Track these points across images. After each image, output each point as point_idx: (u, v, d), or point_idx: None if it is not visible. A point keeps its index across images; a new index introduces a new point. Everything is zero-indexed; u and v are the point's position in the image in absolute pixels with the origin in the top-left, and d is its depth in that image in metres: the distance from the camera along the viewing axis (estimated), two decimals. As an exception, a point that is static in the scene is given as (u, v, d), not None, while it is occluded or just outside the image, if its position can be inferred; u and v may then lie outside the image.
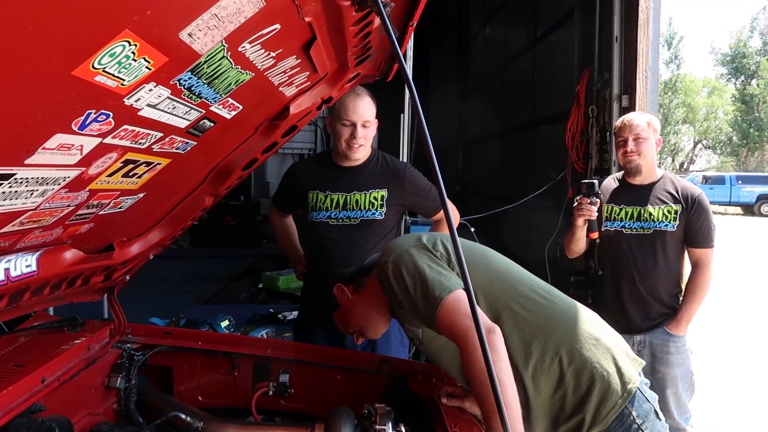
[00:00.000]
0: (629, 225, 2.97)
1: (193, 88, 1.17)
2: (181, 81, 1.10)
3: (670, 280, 2.94)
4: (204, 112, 1.35)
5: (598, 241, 3.00)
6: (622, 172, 3.13)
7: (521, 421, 1.51)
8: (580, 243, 3.04)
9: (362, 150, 2.54)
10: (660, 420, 1.66)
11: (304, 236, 2.72)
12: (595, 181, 2.90)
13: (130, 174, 1.37)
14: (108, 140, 1.09)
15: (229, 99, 1.41)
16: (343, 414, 1.93)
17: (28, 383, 1.46)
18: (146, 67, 0.94)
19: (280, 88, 1.63)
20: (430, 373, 2.16)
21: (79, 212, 1.34)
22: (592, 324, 1.74)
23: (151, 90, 1.03)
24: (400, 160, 2.77)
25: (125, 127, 1.10)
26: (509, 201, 5.00)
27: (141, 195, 1.58)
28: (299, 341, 2.76)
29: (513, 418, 1.46)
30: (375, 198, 2.59)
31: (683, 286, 2.97)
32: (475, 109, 7.88)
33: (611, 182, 3.12)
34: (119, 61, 0.85)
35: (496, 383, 1.04)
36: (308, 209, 2.59)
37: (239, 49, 1.16)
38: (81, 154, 1.06)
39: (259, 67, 1.34)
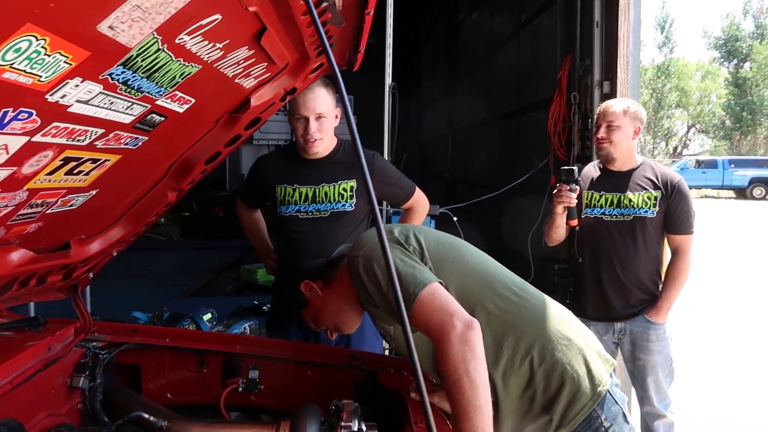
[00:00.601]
0: (609, 212, 2.94)
1: (129, 83, 1.12)
2: (113, 75, 1.05)
3: (650, 267, 2.92)
4: (150, 106, 1.31)
5: (578, 228, 2.98)
6: (600, 159, 3.10)
7: (491, 425, 1.48)
8: (560, 230, 3.01)
9: (320, 144, 2.49)
10: (628, 423, 1.65)
11: (274, 230, 2.68)
12: (575, 168, 2.87)
13: (75, 171, 1.32)
14: (38, 138, 1.05)
15: (177, 92, 1.36)
16: (308, 411, 1.90)
17: (-23, 388, 1.42)
18: (65, 62, 0.89)
19: (237, 80, 1.58)
20: (401, 366, 2.14)
21: (22, 212, 1.29)
22: (564, 323, 1.70)
23: (78, 86, 0.99)
24: (374, 151, 2.71)
25: (56, 124, 1.06)
26: (497, 189, 4.96)
27: (93, 192, 1.53)
28: (272, 335, 2.73)
29: (484, 421, 1.43)
30: (344, 189, 2.55)
31: (663, 273, 2.95)
32: (463, 97, 7.82)
33: (592, 169, 3.10)
34: (29, 57, 0.81)
35: (416, 362, 0.99)
36: (277, 203, 2.55)
37: (177, 41, 1.11)
38: (7, 153, 1.01)
39: (205, 59, 1.29)
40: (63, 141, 1.14)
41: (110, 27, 0.89)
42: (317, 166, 2.54)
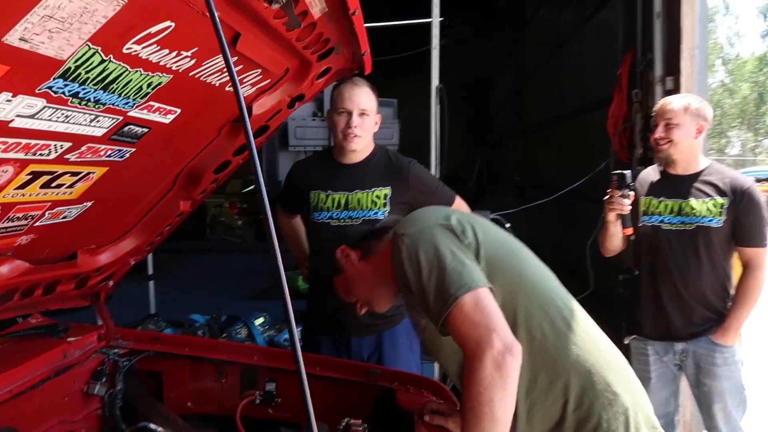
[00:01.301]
0: (669, 220, 2.67)
1: (81, 95, 1.10)
2: (55, 89, 1.03)
3: (715, 282, 2.62)
4: (122, 118, 1.29)
5: (633, 237, 2.72)
6: (661, 161, 2.81)
7: None
8: (614, 240, 2.77)
9: (359, 141, 2.41)
10: None
11: (308, 237, 2.63)
12: (627, 173, 2.62)
13: (53, 185, 1.33)
14: (-16, 155, 1.05)
15: (153, 103, 1.34)
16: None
17: (-22, 394, 1.47)
18: (-19, 78, 0.87)
19: (228, 88, 1.54)
20: (424, 384, 2.02)
21: (2, 225, 1.31)
22: (616, 373, 1.46)
23: (9, 101, 0.97)
24: (411, 158, 2.60)
25: (2, 140, 1.05)
26: (560, 191, 4.70)
27: (87, 204, 1.54)
28: (305, 347, 2.69)
29: None
30: (378, 197, 2.46)
31: (732, 290, 2.63)
32: (531, 96, 7.52)
33: (651, 173, 2.82)
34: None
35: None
36: (310, 209, 2.50)
37: (126, 52, 1.08)
38: (-50, 170, 1.01)
39: (174, 69, 1.26)
40: (21, 156, 1.14)
41: (22, 39, 0.86)
42: (351, 171, 2.48)
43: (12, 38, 0.85)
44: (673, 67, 3.09)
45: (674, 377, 2.76)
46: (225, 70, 1.43)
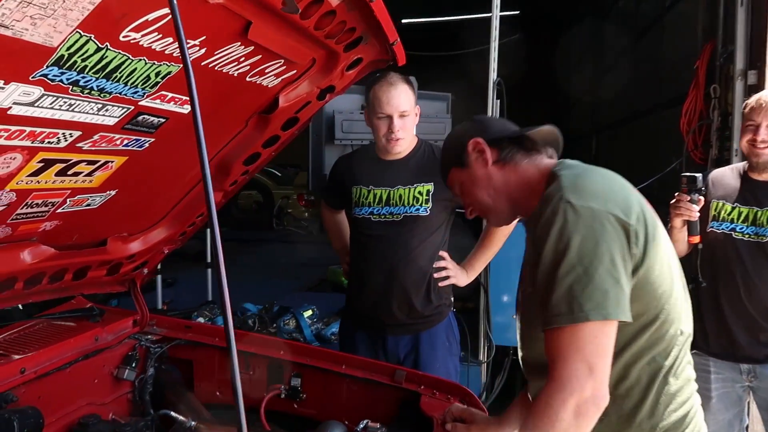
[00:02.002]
0: (741, 229, 2.42)
1: (82, 84, 1.09)
2: (51, 77, 1.02)
3: (789, 301, 2.35)
4: (133, 108, 1.28)
5: (700, 246, 2.49)
6: (744, 162, 2.55)
7: None
8: (678, 247, 2.53)
9: (402, 143, 2.35)
10: None
11: (350, 233, 2.59)
12: (698, 176, 2.38)
13: (69, 173, 1.35)
14: (-16, 141, 1.06)
15: (166, 93, 1.32)
16: (331, 429, 1.81)
17: (3, 373, 1.52)
18: (-39, 64, 0.87)
19: (249, 79, 1.51)
20: (451, 390, 1.93)
21: (21, 212, 1.34)
22: None
23: (2, 88, 0.97)
24: None
25: (2, 127, 1.06)
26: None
27: (111, 192, 1.56)
28: (342, 343, 2.66)
29: None
30: (420, 193, 2.38)
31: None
32: (607, 92, 7.14)
33: (728, 175, 2.55)
34: None
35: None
36: (352, 205, 2.46)
37: (123, 39, 1.06)
38: (-49, 156, 1.03)
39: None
40: (27, 143, 1.15)
41: (2, 25, 0.85)
42: (394, 167, 2.41)
43: (-11, 24, 0.84)
44: (757, 60, 2.79)
45: (739, 399, 2.51)
46: (242, 60, 1.40)
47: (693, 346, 2.57)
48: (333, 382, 2.04)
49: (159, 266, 2.14)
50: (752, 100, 2.41)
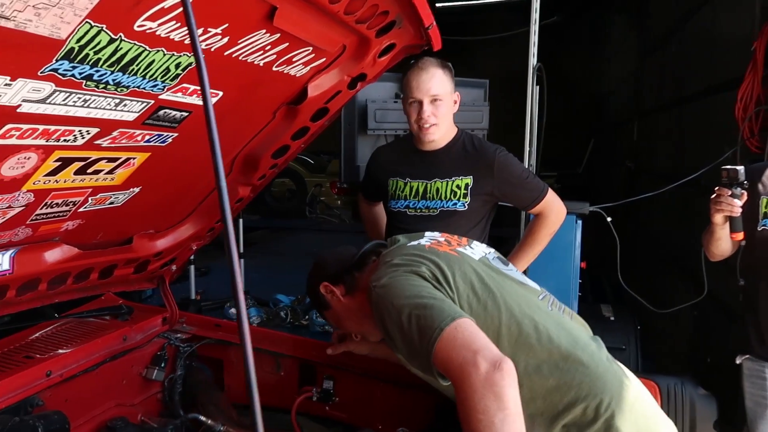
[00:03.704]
0: None
1: (96, 78, 1.01)
2: (61, 71, 0.94)
3: None
4: (153, 102, 1.21)
5: (743, 243, 2.31)
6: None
7: None
8: (721, 244, 2.35)
9: (435, 130, 2.21)
10: None
11: (387, 226, 2.48)
12: (740, 168, 2.18)
13: (89, 171, 1.28)
14: (-4, 141, 0.99)
15: (188, 86, 1.24)
16: (362, 437, 1.74)
17: (29, 376, 1.48)
18: (-40, 59, 0.80)
19: (275, 68, 1.42)
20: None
21: (40, 212, 1.28)
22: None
23: (9, 84, 0.90)
24: (499, 146, 2.35)
25: (13, 126, 0.99)
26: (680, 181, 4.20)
27: (135, 190, 1.50)
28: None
29: None
30: (458, 186, 2.25)
31: None
32: (651, 75, 6.81)
33: None
34: None
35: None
36: (387, 197, 2.36)
37: (138, 29, 0.98)
38: (-40, 157, 0.97)
39: (205, 48, 1.14)
40: (41, 142, 1.08)
41: (2, 17, 0.77)
42: (431, 159, 2.29)
43: (-12, 15, 0.76)
44: (824, 40, 2.57)
45: None
46: (267, 48, 1.31)
47: (746, 351, 2.42)
48: (367, 386, 1.95)
49: (192, 258, 2.08)
50: None
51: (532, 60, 3.28)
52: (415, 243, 1.55)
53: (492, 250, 1.69)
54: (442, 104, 2.17)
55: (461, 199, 2.25)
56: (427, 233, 1.69)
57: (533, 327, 1.35)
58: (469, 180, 2.24)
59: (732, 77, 3.85)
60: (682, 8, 5.26)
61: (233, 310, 4.39)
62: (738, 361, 2.45)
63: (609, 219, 3.40)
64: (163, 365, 1.93)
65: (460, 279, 1.39)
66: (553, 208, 2.33)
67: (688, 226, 4.53)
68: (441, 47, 1.71)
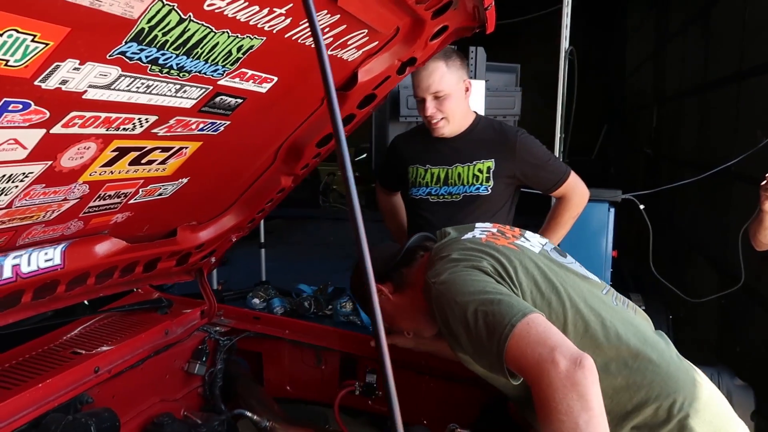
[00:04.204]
0: None
1: (161, 62, 0.96)
2: (129, 54, 0.89)
3: None
4: (211, 88, 1.15)
5: None
6: None
7: None
8: None
9: (444, 124, 2.17)
10: None
11: (407, 214, 2.44)
12: None
13: (143, 162, 1.23)
14: (59, 130, 0.94)
15: (246, 70, 1.18)
16: (415, 434, 1.69)
17: (78, 373, 1.44)
18: (34, 41, 0.74)
19: (330, 52, 1.36)
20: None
21: (93, 204, 1.23)
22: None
23: (78, 69, 0.84)
24: (520, 128, 2.29)
25: (78, 113, 0.94)
26: (706, 169, 4.11)
27: (183, 180, 1.45)
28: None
29: None
30: (480, 170, 2.21)
31: None
32: (673, 59, 6.68)
33: None
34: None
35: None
36: (408, 185, 2.31)
37: (207, 9, 0.92)
38: (23, 148, 0.91)
39: (267, 30, 1.08)
40: (102, 131, 1.03)
41: (80, -7, 0.72)
42: (451, 144, 2.24)
43: (66, -8, 0.70)
44: None
45: None
46: (326, 30, 1.24)
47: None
48: (411, 380, 1.91)
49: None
50: None
51: (564, 43, 3.20)
52: (469, 236, 1.49)
53: (546, 240, 1.63)
54: (447, 99, 2.13)
55: (484, 183, 2.21)
56: (477, 225, 1.64)
57: (600, 323, 1.29)
58: (491, 163, 2.20)
59: (763, 61, 3.76)
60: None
61: (256, 300, 4.36)
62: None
63: (642, 207, 3.34)
64: (204, 359, 1.89)
65: (522, 274, 1.33)
66: (576, 191, 2.29)
67: (716, 214, 4.45)
68: (494, 29, 1.64)
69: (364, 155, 10.53)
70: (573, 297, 1.34)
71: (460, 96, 2.16)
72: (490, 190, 2.18)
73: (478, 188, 2.20)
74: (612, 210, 3.35)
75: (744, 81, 4.14)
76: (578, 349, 1.11)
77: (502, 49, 3.41)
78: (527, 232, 1.64)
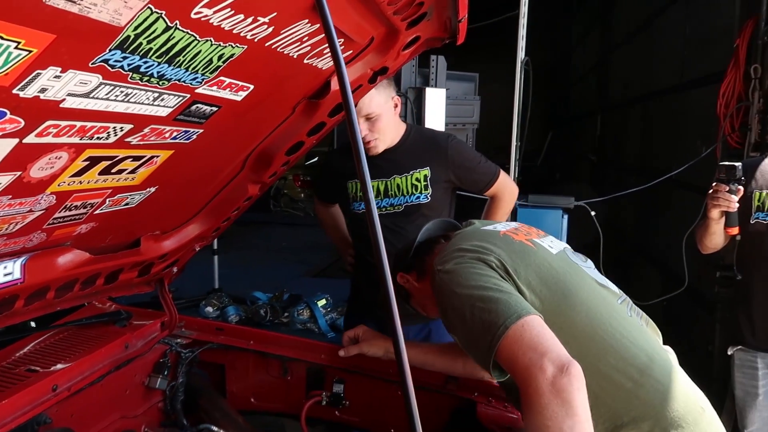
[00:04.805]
0: None
1: (143, 70, 0.92)
2: (111, 62, 0.85)
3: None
4: (189, 96, 1.11)
5: (738, 238, 2.38)
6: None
7: None
8: (715, 238, 2.43)
9: (379, 144, 2.21)
10: None
11: (349, 228, 2.46)
12: (738, 165, 2.26)
13: (113, 171, 1.18)
14: (32, 140, 0.89)
15: (225, 79, 1.15)
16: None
17: (35, 392, 1.37)
18: (18, 48, 0.70)
19: (307, 61, 1.34)
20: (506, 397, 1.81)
21: (59, 215, 1.17)
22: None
23: (58, 77, 0.80)
24: (450, 133, 2.36)
25: (53, 123, 0.89)
26: (649, 176, 4.31)
27: (151, 189, 1.39)
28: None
29: None
30: (417, 179, 2.25)
31: None
32: (617, 70, 6.97)
33: None
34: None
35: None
36: (349, 200, 2.32)
37: (194, 17, 0.89)
38: (-7, 158, 0.86)
39: (249, 38, 1.06)
40: (75, 140, 0.98)
41: (70, 0, 0.68)
42: (387, 157, 2.27)
43: (55, -1, 0.67)
44: (807, 40, 2.66)
45: None
46: (305, 39, 1.23)
47: (738, 342, 2.50)
48: (379, 389, 1.90)
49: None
50: None
51: (520, 54, 3.28)
52: (490, 228, 1.48)
53: (566, 245, 1.58)
54: (378, 119, 2.17)
55: (423, 191, 2.26)
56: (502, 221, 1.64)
57: (610, 333, 1.28)
58: (426, 171, 2.25)
59: (703, 74, 3.97)
60: (650, 6, 5.39)
61: (209, 308, 4.26)
62: (730, 352, 2.53)
63: (593, 213, 3.46)
64: (166, 373, 1.83)
65: (533, 273, 1.32)
66: (507, 188, 2.39)
67: (661, 218, 4.66)
68: (464, 41, 1.66)
69: (315, 159, 10.48)
70: (585, 302, 1.32)
71: (389, 114, 2.20)
72: (429, 198, 2.24)
73: (418, 197, 2.24)
74: (565, 216, 3.45)
75: (685, 92, 4.35)
76: (568, 355, 1.11)
77: (459, 58, 3.45)
78: (550, 236, 1.60)
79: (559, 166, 10.37)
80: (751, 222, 2.36)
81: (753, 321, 2.42)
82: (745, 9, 3.20)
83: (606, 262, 3.96)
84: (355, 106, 1.80)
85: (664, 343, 1.47)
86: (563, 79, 11.20)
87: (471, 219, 1.62)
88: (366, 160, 2.16)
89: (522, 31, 3.26)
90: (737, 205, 2.27)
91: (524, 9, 3.24)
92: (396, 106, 2.25)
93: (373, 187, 2.27)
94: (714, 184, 2.30)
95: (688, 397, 1.29)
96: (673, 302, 4.03)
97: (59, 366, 1.48)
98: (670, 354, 1.40)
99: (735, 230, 2.34)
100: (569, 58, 11.14)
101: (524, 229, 1.53)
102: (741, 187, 2.25)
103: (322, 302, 3.94)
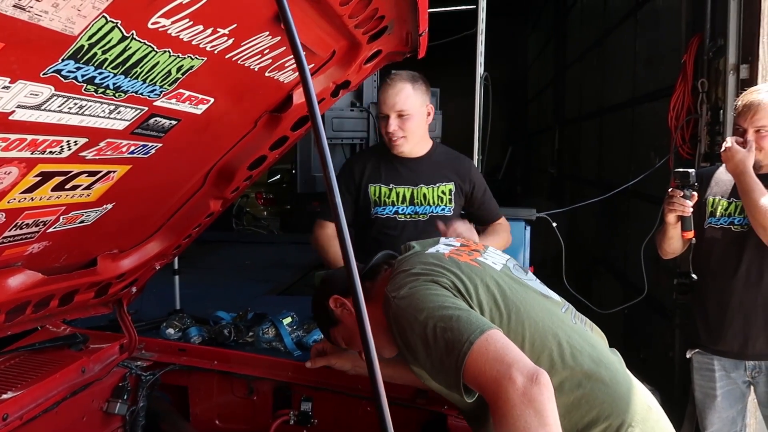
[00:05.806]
0: (739, 221, 2.39)
1: (98, 81, 0.89)
2: (64, 73, 0.82)
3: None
4: (147, 109, 1.09)
5: (694, 241, 2.46)
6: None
7: None
8: (673, 242, 2.50)
9: (403, 143, 2.27)
10: None
11: (362, 233, 2.39)
12: (691, 171, 2.35)
13: (67, 187, 1.14)
14: (-23, 154, 0.85)
15: (184, 91, 1.13)
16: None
17: (-16, 422, 1.29)
18: (-38, 57, 0.67)
19: (268, 74, 1.33)
20: (477, 409, 1.81)
21: (9, 234, 1.12)
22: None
23: (7, 87, 0.77)
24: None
25: (1, 136, 0.85)
26: (606, 187, 4.42)
27: (108, 206, 1.35)
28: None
29: None
30: (443, 192, 2.34)
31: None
32: (572, 86, 7.18)
33: (721, 171, 2.53)
34: None
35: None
36: (370, 204, 2.32)
37: (151, 27, 0.87)
38: (-63, 173, 0.82)
39: (209, 50, 1.04)
40: (26, 155, 0.94)
41: (18, 7, 0.66)
42: (412, 166, 2.34)
43: (4, 5, 0.64)
44: (749, 54, 2.79)
45: (742, 395, 2.50)
46: (266, 52, 1.22)
47: (695, 345, 2.57)
48: (347, 405, 1.88)
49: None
50: (739, 102, 2.38)
51: (480, 69, 3.34)
52: (433, 251, 1.48)
53: (508, 256, 1.63)
54: (409, 119, 2.23)
55: (447, 204, 2.35)
56: (442, 239, 1.64)
57: (557, 344, 1.31)
58: (452, 186, 2.35)
59: (653, 90, 4.12)
60: (601, 25, 5.58)
61: (170, 330, 4.12)
62: (688, 356, 2.59)
63: (555, 224, 3.53)
64: (125, 397, 1.76)
65: (483, 292, 1.34)
66: (508, 227, 2.53)
67: (619, 229, 4.79)
68: (424, 55, 1.68)
69: (278, 176, 10.40)
70: (532, 316, 1.35)
71: (421, 118, 2.27)
72: (452, 212, 2.32)
73: (443, 209, 2.32)
74: (528, 228, 3.51)
75: (637, 106, 4.50)
76: (534, 365, 1.13)
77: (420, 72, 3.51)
78: (489, 247, 1.64)
79: (520, 180, 10.56)
80: (705, 227, 2.44)
81: (708, 324, 2.49)
82: (690, 27, 3.34)
83: (569, 273, 4.04)
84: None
85: (624, 350, 1.50)
86: (521, 96, 11.47)
87: (409, 242, 1.59)
88: (395, 164, 2.15)
89: (480, 47, 3.32)
90: (692, 209, 2.34)
91: (482, 26, 3.31)
92: (429, 114, 2.32)
93: (398, 193, 2.32)
94: (669, 190, 2.38)
95: (636, 397, 1.32)
96: (634, 311, 4.12)
97: (10, 394, 1.41)
98: (615, 356, 1.44)
99: (690, 234, 2.41)
100: (526, 75, 11.41)
101: (464, 248, 1.54)
102: (695, 193, 2.33)
103: (287, 320, 3.84)
